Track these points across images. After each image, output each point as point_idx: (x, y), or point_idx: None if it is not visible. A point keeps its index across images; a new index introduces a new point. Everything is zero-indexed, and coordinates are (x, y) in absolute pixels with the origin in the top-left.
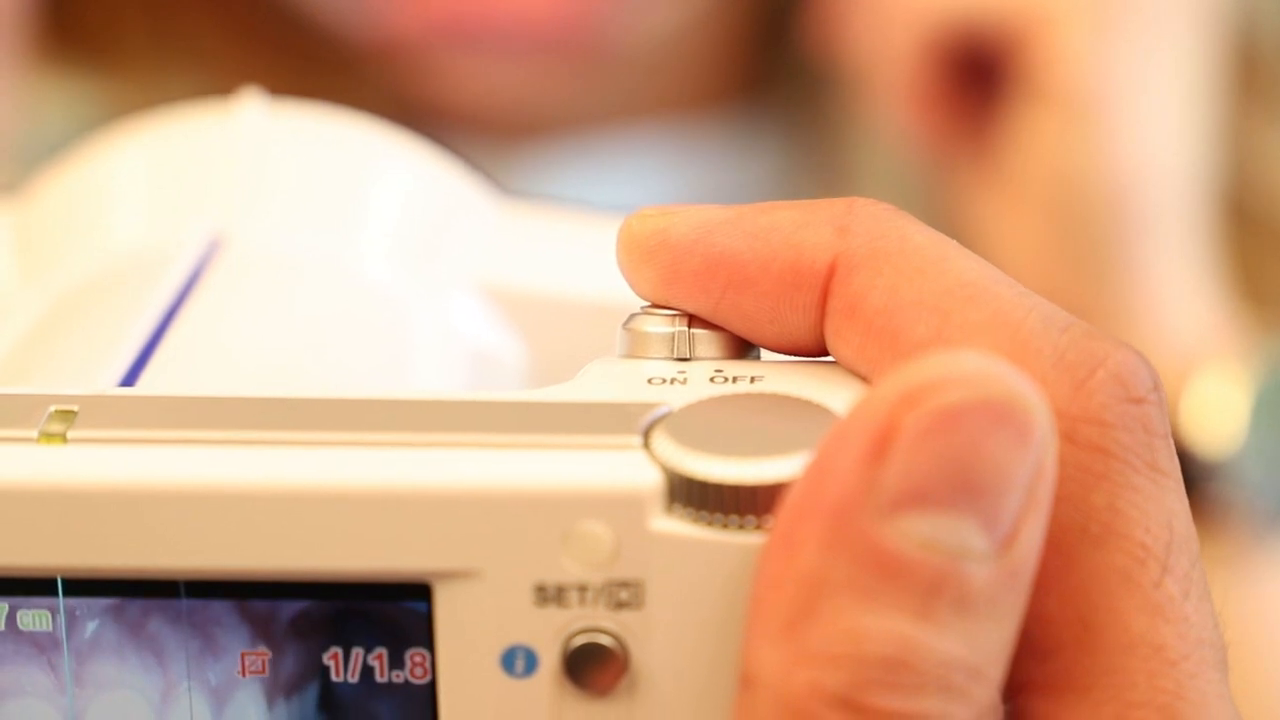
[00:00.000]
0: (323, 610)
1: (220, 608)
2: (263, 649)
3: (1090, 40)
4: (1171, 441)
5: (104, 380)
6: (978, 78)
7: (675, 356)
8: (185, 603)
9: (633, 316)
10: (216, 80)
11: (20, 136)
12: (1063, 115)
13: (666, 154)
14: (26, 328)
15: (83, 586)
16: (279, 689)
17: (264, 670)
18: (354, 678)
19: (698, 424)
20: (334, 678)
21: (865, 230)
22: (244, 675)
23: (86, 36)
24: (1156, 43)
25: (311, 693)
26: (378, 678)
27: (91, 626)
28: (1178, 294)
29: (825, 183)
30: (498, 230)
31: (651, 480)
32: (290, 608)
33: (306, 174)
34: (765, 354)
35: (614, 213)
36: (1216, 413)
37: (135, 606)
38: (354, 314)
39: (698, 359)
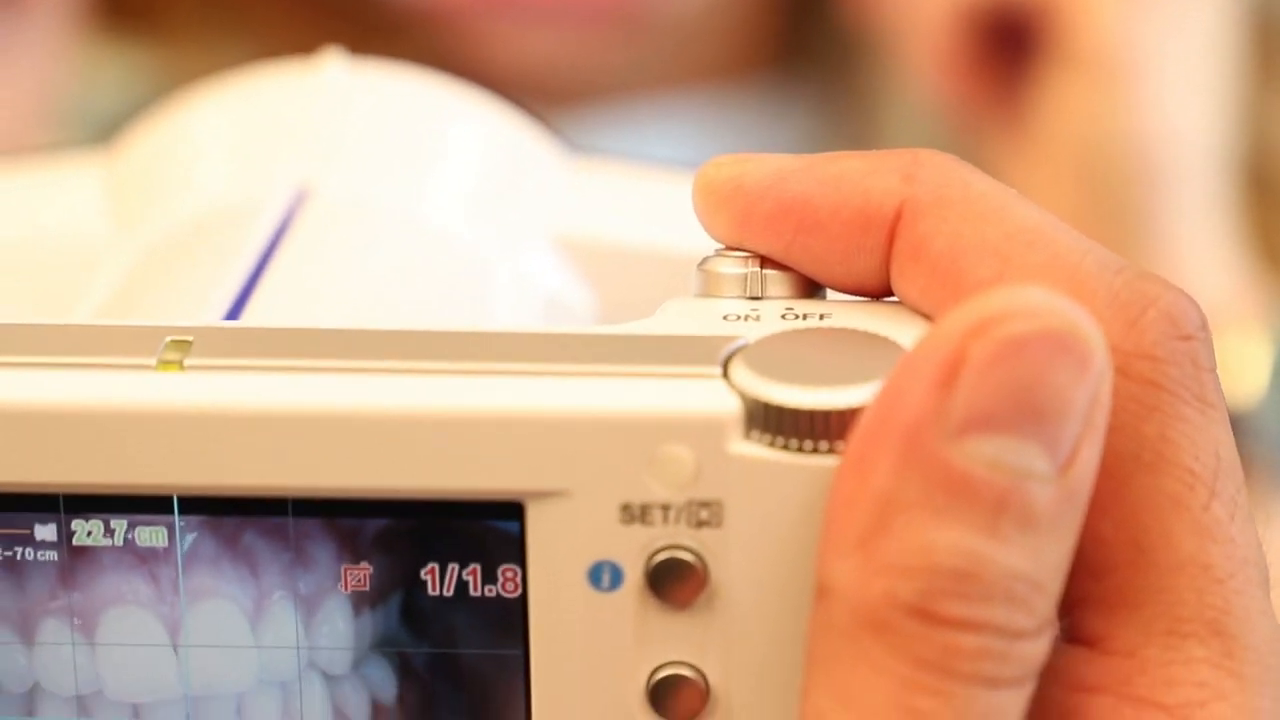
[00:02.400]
0: (419, 528)
1: (317, 529)
2: (354, 563)
3: (1118, 8)
4: (1217, 376)
5: (207, 319)
6: (1008, 44)
7: (748, 295)
8: (290, 521)
9: (707, 258)
10: (264, 48)
11: (75, 101)
12: (1090, 81)
13: (703, 120)
14: (123, 273)
15: (197, 505)
16: (365, 601)
17: (354, 583)
18: (449, 591)
19: (772, 355)
20: (430, 591)
21: (930, 178)
22: (336, 587)
23: (139, 5)
24: (1182, 11)
25: (395, 605)
26: (471, 592)
27: (191, 539)
28: (1199, 255)
29: (858, 148)
30: (568, 184)
31: (730, 407)
32: (378, 524)
33: (387, 129)
34: (832, 294)
35: (677, 168)
36: (1237, 370)
37: (232, 521)
38: (433, 263)
39: (769, 298)
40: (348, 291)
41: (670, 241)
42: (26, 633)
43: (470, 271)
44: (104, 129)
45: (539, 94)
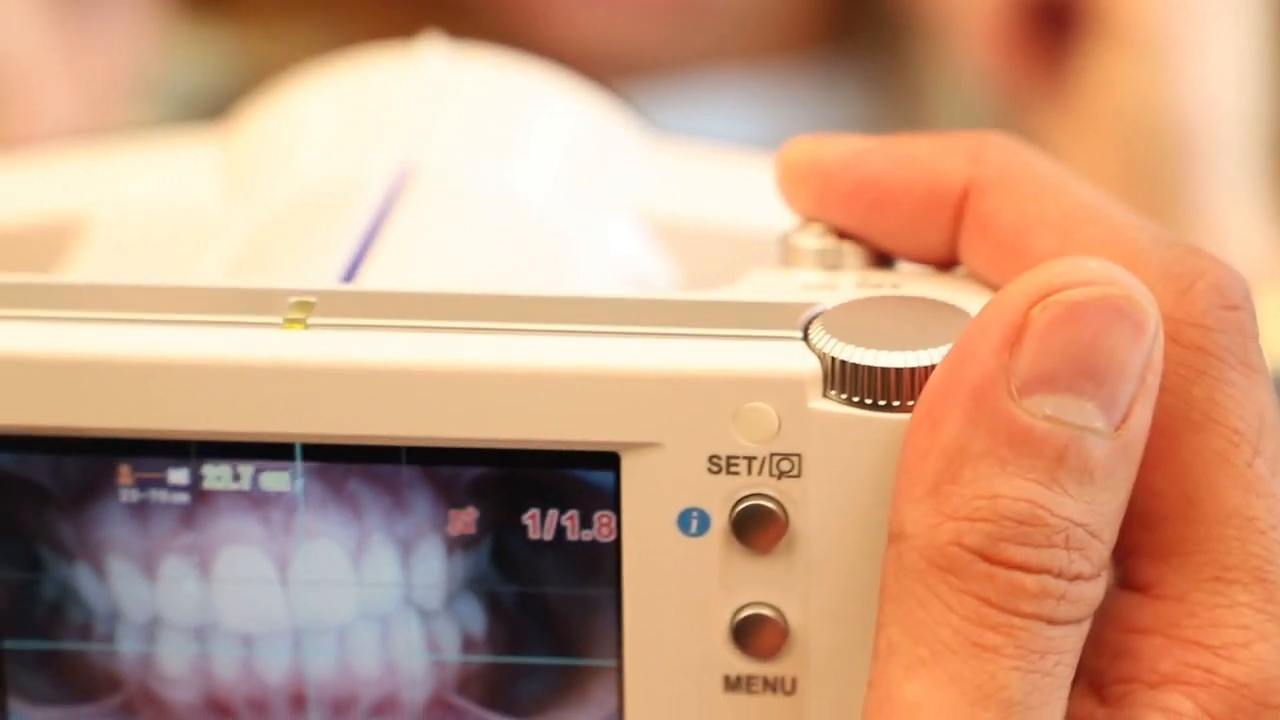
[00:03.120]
0: (522, 476)
1: (425, 476)
2: (460, 509)
3: None
4: (1260, 344)
5: (323, 284)
6: (1053, 22)
7: (825, 266)
8: (403, 469)
9: (787, 232)
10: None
11: (161, 81)
12: (1132, 57)
13: (758, 97)
14: (237, 246)
15: (318, 452)
16: (462, 542)
17: (460, 527)
18: (549, 536)
19: (849, 320)
20: (530, 535)
21: (995, 159)
22: (436, 529)
23: None
24: None
25: (488, 546)
26: (569, 536)
27: (300, 484)
28: (1236, 226)
29: (908, 125)
30: (650, 162)
31: (810, 367)
32: (484, 472)
33: (483, 109)
34: (903, 265)
35: (754, 148)
36: (1272, 337)
37: (343, 467)
38: (524, 236)
39: (845, 269)
40: (448, 261)
41: (747, 217)
42: (150, 569)
43: (558, 244)
44: (188, 108)
45: (598, 71)
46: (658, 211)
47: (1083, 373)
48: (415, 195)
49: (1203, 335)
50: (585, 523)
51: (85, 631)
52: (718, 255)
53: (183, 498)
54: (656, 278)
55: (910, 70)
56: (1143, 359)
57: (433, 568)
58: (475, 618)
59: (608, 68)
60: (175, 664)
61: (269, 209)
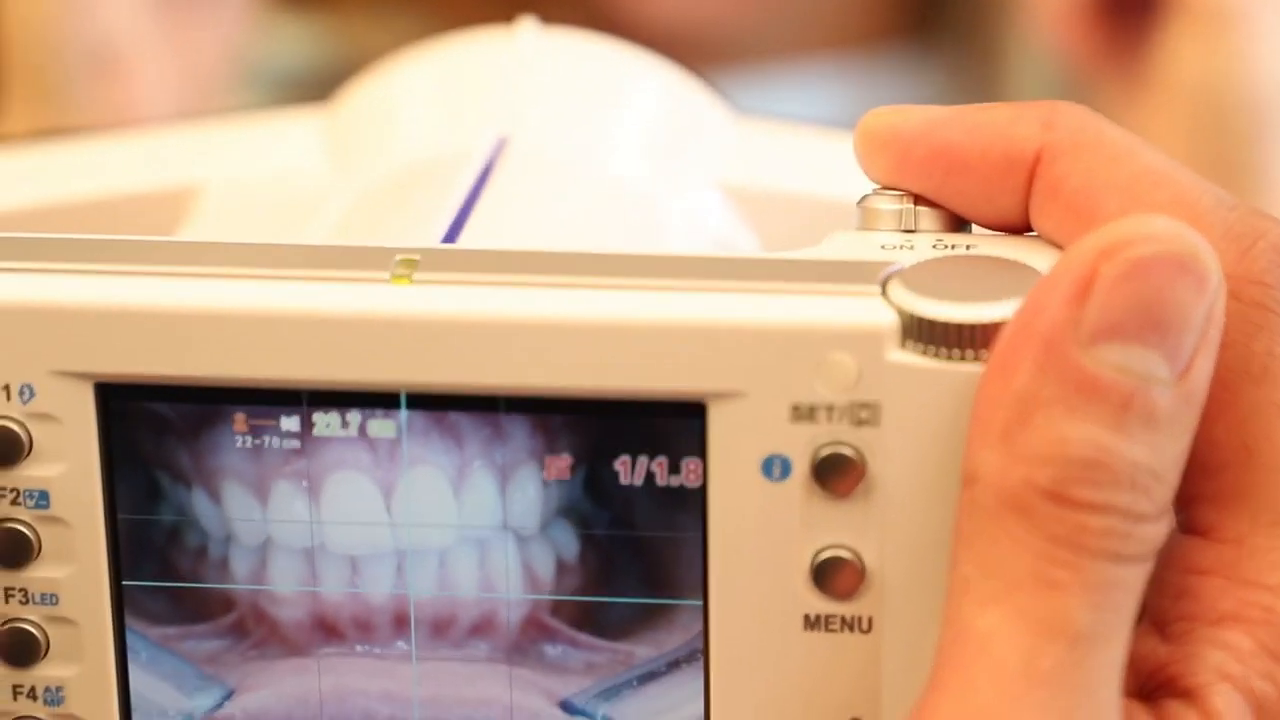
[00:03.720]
0: (615, 425)
1: (524, 424)
2: (555, 454)
3: None
4: None
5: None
6: (1128, 1)
7: (902, 229)
8: (501, 417)
9: (866, 197)
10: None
11: (260, 66)
12: (1205, 34)
13: (837, 85)
14: (342, 214)
15: (422, 401)
16: (552, 470)
17: (556, 472)
18: (639, 481)
19: (925, 277)
20: (622, 481)
21: (1067, 126)
22: (533, 468)
23: None
24: None
25: (579, 475)
26: (657, 481)
27: (405, 415)
28: None
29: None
30: (733, 137)
31: (889, 320)
32: (582, 423)
33: (575, 86)
34: (977, 229)
35: (832, 127)
36: None
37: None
38: (613, 205)
39: (921, 231)
40: (542, 227)
41: (826, 190)
42: (262, 495)
43: (646, 213)
44: (285, 93)
45: (682, 56)
46: (741, 184)
47: (1148, 324)
48: (511, 167)
49: (1263, 292)
50: (673, 469)
51: (201, 555)
52: (798, 225)
53: (293, 443)
54: (740, 245)
55: (989, 56)
56: (1205, 312)
57: (529, 495)
58: (569, 544)
59: (691, 53)
60: (285, 586)
61: (372, 180)
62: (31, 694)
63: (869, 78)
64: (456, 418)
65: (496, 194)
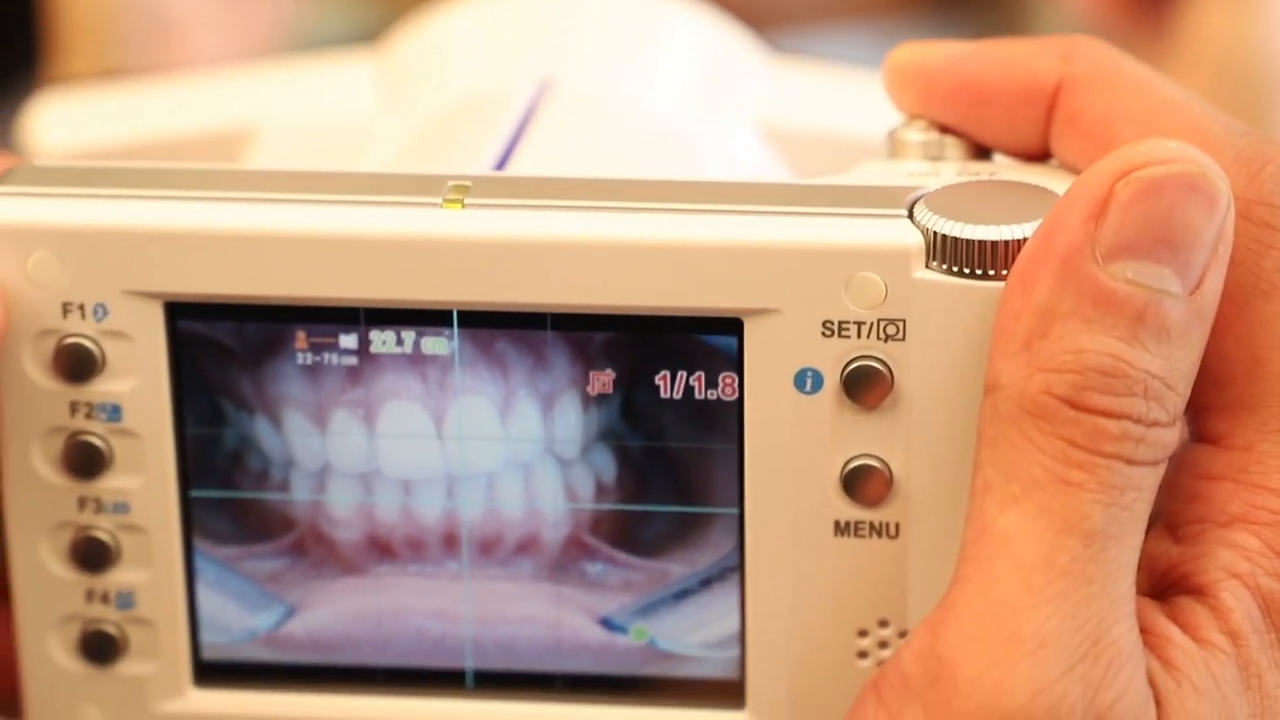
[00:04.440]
0: (655, 341)
1: (569, 341)
2: (600, 370)
3: None
4: None
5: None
6: None
7: (928, 158)
8: (548, 334)
9: (894, 128)
10: None
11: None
12: (1231, 1)
13: (867, 48)
14: (392, 152)
15: (473, 319)
16: (606, 404)
17: (600, 387)
18: (678, 395)
19: (950, 200)
20: (662, 395)
21: (1085, 58)
22: (576, 388)
23: None
24: None
25: (619, 402)
26: (696, 395)
27: (454, 346)
28: None
29: None
30: (769, 78)
31: (915, 240)
32: (624, 340)
33: (616, 28)
34: (999, 157)
35: (862, 67)
36: None
37: (489, 332)
38: (652, 143)
39: (946, 160)
40: (583, 163)
41: (859, 128)
42: (321, 421)
43: (685, 149)
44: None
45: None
46: (776, 121)
47: (1161, 241)
48: (554, 106)
49: (1270, 213)
50: (711, 383)
51: (262, 478)
52: (831, 162)
53: (351, 360)
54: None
55: (1016, 23)
56: (1215, 230)
57: (570, 421)
58: (608, 466)
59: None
60: (342, 507)
61: (421, 119)
62: (104, 598)
63: (897, 43)
64: (504, 347)
65: (540, 132)
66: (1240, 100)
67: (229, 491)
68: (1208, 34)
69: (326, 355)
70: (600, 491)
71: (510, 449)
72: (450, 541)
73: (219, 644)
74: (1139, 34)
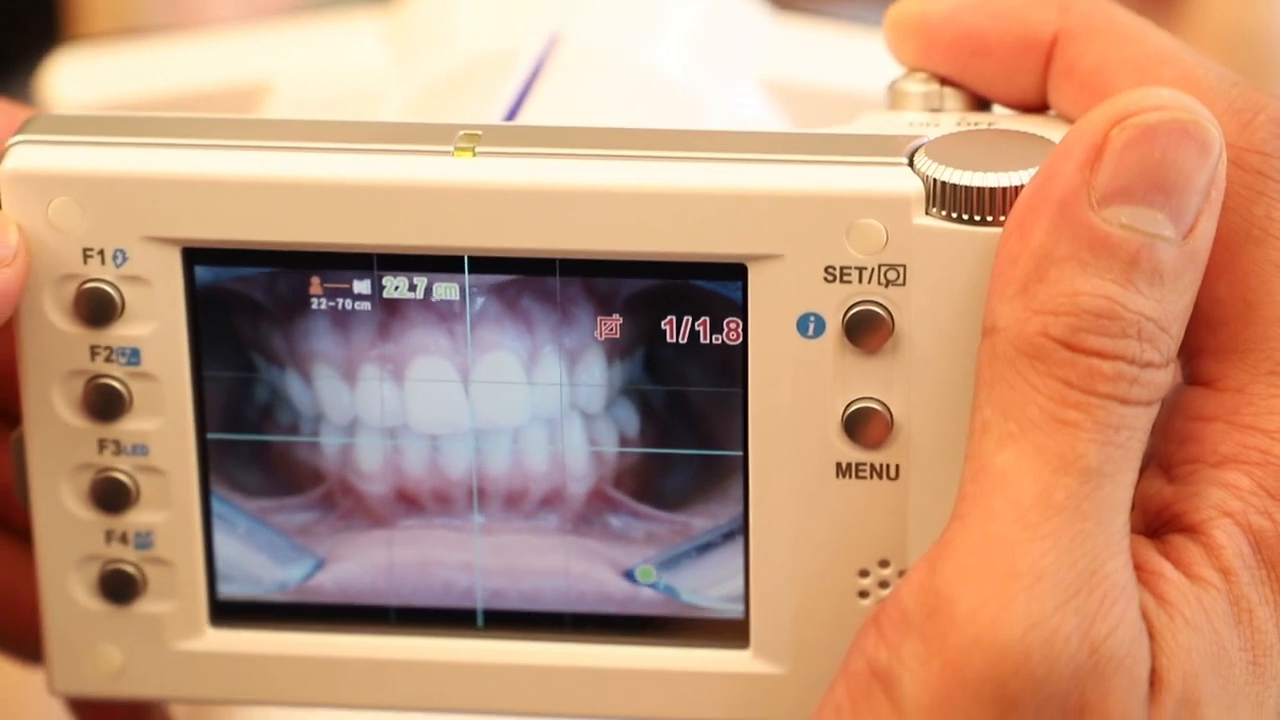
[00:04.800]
0: (660, 288)
1: (579, 287)
2: (607, 315)
3: None
4: None
5: None
6: None
7: (929, 109)
8: (557, 280)
9: (895, 80)
10: None
11: None
12: None
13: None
14: (404, 107)
15: (483, 264)
16: (615, 351)
17: (607, 332)
18: (683, 340)
19: (949, 148)
20: (668, 340)
21: (1081, 10)
22: (594, 339)
23: None
24: None
25: (639, 356)
26: (701, 340)
27: (480, 301)
28: None
29: None
30: (774, 35)
31: (915, 187)
32: (631, 286)
33: None
34: (998, 109)
35: (867, 26)
36: None
37: (513, 287)
38: (658, 99)
39: (946, 111)
40: (590, 118)
41: (862, 84)
42: (350, 376)
43: (689, 106)
44: None
45: None
46: (780, 78)
47: (1154, 186)
48: (562, 62)
49: (1262, 161)
50: (715, 328)
51: (293, 431)
52: (835, 118)
53: (365, 305)
54: None
55: None
56: (1208, 176)
57: (594, 375)
58: (630, 419)
59: None
60: (371, 461)
61: (431, 75)
62: (123, 539)
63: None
64: (527, 304)
65: (548, 87)
66: (1246, 74)
67: (248, 435)
68: (1214, 8)
69: (341, 301)
70: (623, 443)
71: (535, 403)
72: (476, 495)
73: (249, 593)
74: (1146, 9)
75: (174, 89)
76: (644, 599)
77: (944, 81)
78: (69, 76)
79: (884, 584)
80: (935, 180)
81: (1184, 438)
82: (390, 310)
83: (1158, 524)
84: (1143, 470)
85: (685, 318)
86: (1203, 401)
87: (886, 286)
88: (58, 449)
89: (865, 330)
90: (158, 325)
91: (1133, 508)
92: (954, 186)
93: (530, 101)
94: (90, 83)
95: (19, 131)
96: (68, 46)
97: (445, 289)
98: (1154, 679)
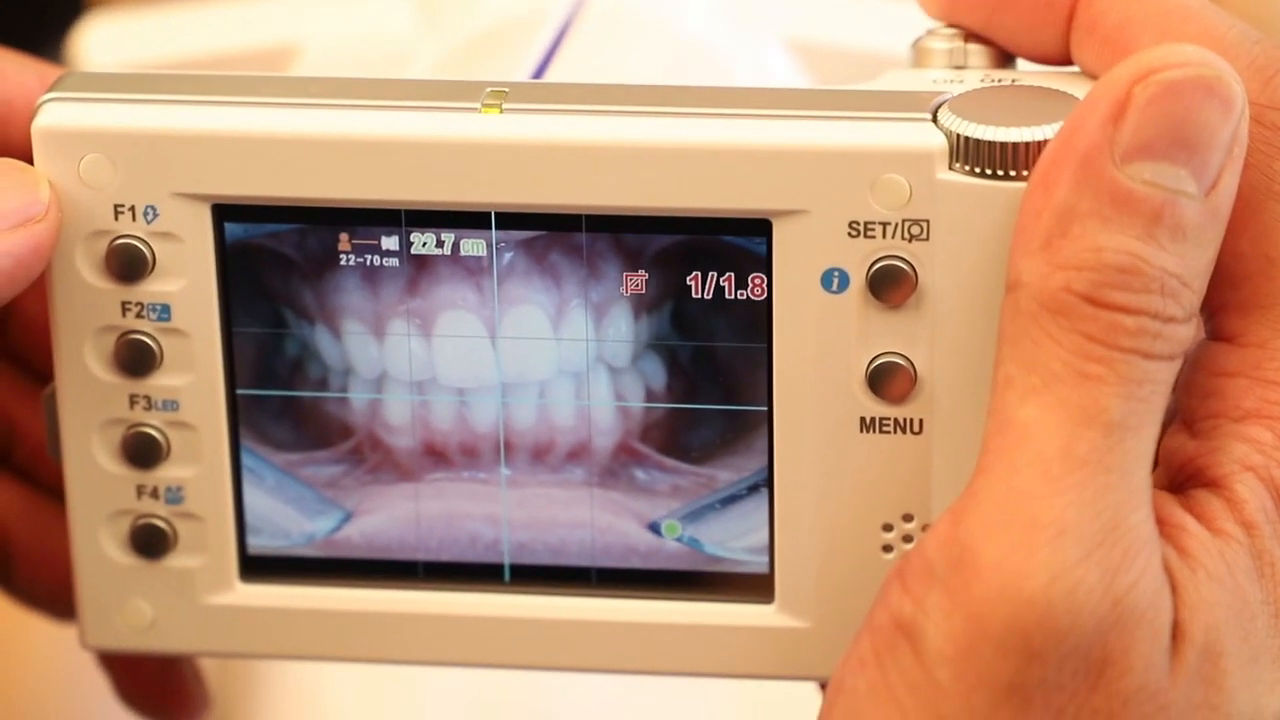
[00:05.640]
0: (686, 244)
1: (605, 243)
2: (634, 271)
3: None
4: None
5: None
6: None
7: (953, 66)
8: (584, 236)
9: (919, 37)
10: None
11: None
12: None
13: None
14: (432, 68)
15: (509, 220)
16: (642, 306)
17: (634, 288)
18: (708, 295)
19: (973, 104)
20: (692, 295)
21: None
22: (620, 294)
23: None
24: None
25: (667, 311)
26: (726, 295)
27: (509, 256)
28: None
29: None
30: None
31: (939, 143)
32: (658, 241)
33: None
34: (1022, 64)
35: None
36: None
37: (540, 242)
38: (683, 58)
39: (970, 68)
40: (617, 77)
41: (887, 45)
42: (379, 331)
43: (714, 68)
44: None
45: None
46: (806, 39)
47: (1177, 142)
48: (588, 24)
49: None
50: (740, 283)
51: (322, 386)
52: (859, 78)
53: (393, 261)
54: None
55: None
56: (1230, 132)
57: (621, 329)
58: (656, 373)
59: None
60: (398, 415)
61: (458, 38)
62: (154, 493)
63: None
64: (555, 258)
65: (574, 47)
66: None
67: (277, 390)
68: None
69: (369, 257)
70: (649, 397)
71: (561, 357)
72: (502, 449)
73: (277, 546)
74: None
75: (203, 53)
76: (669, 553)
77: (968, 38)
78: (99, 41)
79: (908, 538)
80: (959, 135)
81: (1206, 393)
82: (418, 266)
83: (1181, 479)
84: (1167, 426)
85: (710, 273)
86: (1225, 357)
87: (910, 241)
88: (89, 405)
89: (889, 285)
90: (188, 281)
91: (1157, 463)
92: (977, 141)
93: (557, 62)
94: (120, 47)
95: (50, 89)
96: (97, 11)
97: (472, 245)
98: (1176, 631)
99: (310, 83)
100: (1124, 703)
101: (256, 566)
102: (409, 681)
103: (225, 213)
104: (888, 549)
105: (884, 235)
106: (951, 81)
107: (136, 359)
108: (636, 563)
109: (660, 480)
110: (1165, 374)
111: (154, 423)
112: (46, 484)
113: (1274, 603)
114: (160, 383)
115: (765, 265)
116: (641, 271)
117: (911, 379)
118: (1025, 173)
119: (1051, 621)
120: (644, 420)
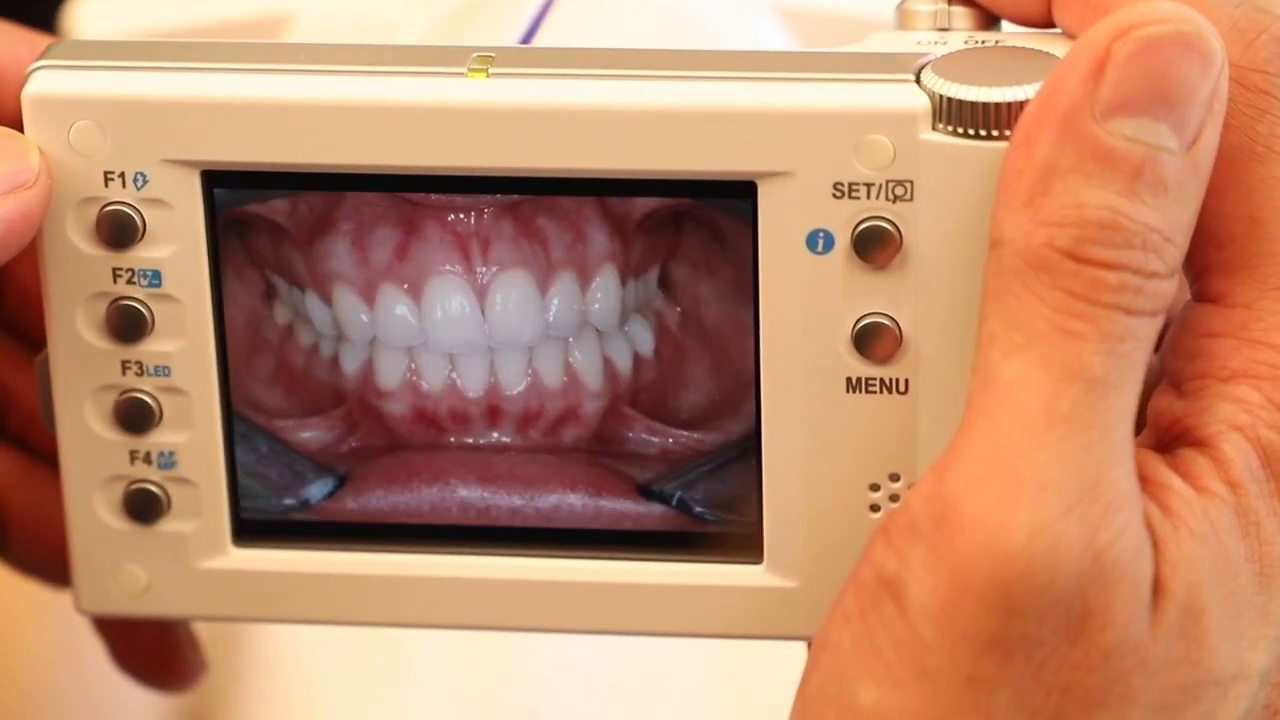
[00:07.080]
0: (672, 207)
1: (592, 207)
2: (624, 236)
3: None
4: None
5: None
6: None
7: (937, 28)
8: (571, 199)
9: (903, 0)
10: None
11: None
12: None
13: None
14: (419, 34)
15: (497, 184)
16: (630, 271)
17: (624, 253)
18: (695, 258)
19: (956, 65)
20: (679, 258)
21: None
22: (609, 259)
23: None
24: None
25: (653, 276)
26: (712, 258)
27: (496, 221)
28: None
29: None
30: None
31: (922, 103)
32: (644, 205)
33: None
34: (1006, 26)
35: None
36: None
37: (527, 206)
38: (672, 27)
39: (954, 30)
40: (604, 43)
41: (874, 10)
42: (368, 296)
43: (702, 33)
44: None
45: None
46: (794, 5)
47: (1157, 98)
48: None
49: (1264, 79)
50: (726, 246)
51: (312, 351)
52: (846, 42)
53: (382, 226)
54: None
55: None
56: (1210, 88)
57: (608, 293)
58: (643, 336)
59: None
60: (389, 380)
61: (445, 9)
62: (146, 459)
63: None
64: (544, 223)
65: (562, 16)
66: None
67: (268, 355)
68: None
69: (358, 222)
70: (637, 362)
71: (550, 321)
72: (493, 414)
73: (270, 510)
74: None
75: (195, 22)
76: (658, 515)
77: (952, 0)
78: (92, 10)
79: (894, 498)
80: (942, 96)
81: (1193, 354)
82: (407, 230)
83: (1168, 439)
84: (1154, 386)
85: (697, 236)
86: (1211, 317)
87: (894, 202)
88: (81, 371)
89: (874, 246)
90: (178, 247)
91: (1144, 423)
92: (960, 102)
93: (545, 29)
94: (113, 17)
95: (40, 57)
96: None
97: (461, 209)
98: (1157, 587)
99: (297, 49)
100: (1104, 656)
101: (250, 531)
102: (394, 666)
103: (215, 179)
104: (875, 508)
105: (868, 196)
106: (935, 43)
107: (128, 325)
108: (627, 525)
109: (649, 444)
110: (1147, 330)
111: (146, 388)
112: (40, 451)
113: (1258, 560)
114: (152, 348)
115: (750, 227)
116: (629, 235)
117: (897, 339)
118: (1008, 132)
119: (1032, 576)
120: (632, 384)
